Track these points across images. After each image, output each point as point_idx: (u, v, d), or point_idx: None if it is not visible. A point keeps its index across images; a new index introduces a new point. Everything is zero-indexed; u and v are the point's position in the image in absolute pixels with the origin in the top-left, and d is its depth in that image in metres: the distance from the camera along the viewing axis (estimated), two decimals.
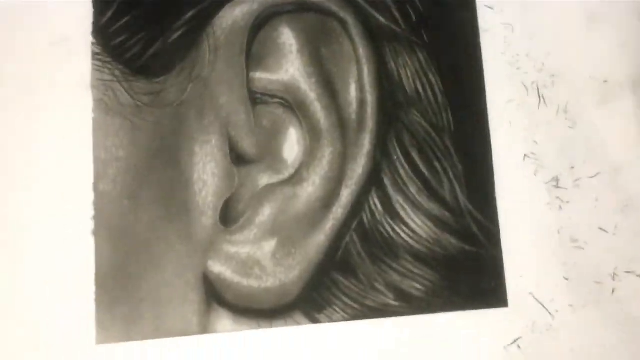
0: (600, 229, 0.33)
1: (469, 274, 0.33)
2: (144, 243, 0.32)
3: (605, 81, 0.34)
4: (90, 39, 0.34)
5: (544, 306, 0.32)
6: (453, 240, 0.33)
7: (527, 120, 0.34)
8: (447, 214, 0.33)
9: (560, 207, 0.33)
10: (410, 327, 0.32)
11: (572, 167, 0.33)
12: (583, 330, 0.32)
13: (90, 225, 0.32)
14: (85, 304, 0.32)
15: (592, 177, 0.33)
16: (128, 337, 0.32)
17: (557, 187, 0.33)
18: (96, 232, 0.32)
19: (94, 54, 0.34)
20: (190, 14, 0.33)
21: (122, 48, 0.33)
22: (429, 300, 0.32)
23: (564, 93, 0.34)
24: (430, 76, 0.33)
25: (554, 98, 0.34)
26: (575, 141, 0.33)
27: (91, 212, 0.32)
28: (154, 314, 0.32)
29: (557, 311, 0.32)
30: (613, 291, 0.32)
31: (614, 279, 0.32)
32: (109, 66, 0.33)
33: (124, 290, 0.32)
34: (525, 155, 0.33)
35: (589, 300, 0.32)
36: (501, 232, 0.33)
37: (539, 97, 0.34)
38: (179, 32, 0.33)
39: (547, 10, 0.34)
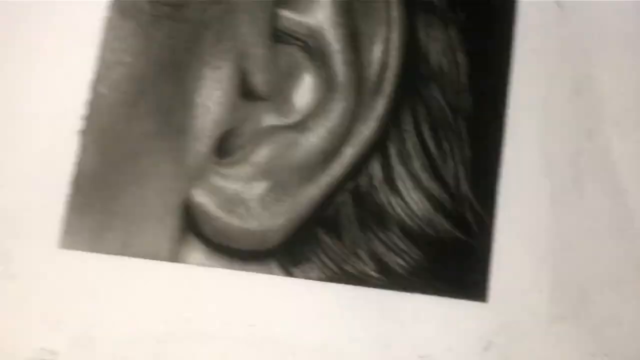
0: (596, 243, 0.34)
1: (455, 261, 0.34)
2: (131, 155, 0.33)
3: (628, 104, 0.36)
4: None
5: (522, 311, 0.34)
6: (446, 224, 0.34)
7: (546, 122, 0.35)
8: (445, 196, 0.34)
9: (561, 214, 0.35)
10: (386, 301, 0.33)
11: (581, 179, 0.35)
12: (556, 343, 0.34)
13: (78, 124, 0.33)
14: (56, 204, 0.32)
15: (596, 194, 0.35)
16: (93, 247, 0.32)
17: (562, 194, 0.35)
18: (84, 133, 0.33)
19: None
20: None
21: None
22: (410, 279, 0.34)
23: (588, 105, 0.36)
24: (458, 55, 0.35)
25: (578, 107, 0.36)
26: (589, 154, 0.35)
27: (82, 111, 0.33)
28: (125, 230, 0.32)
29: (535, 317, 0.34)
30: (595, 308, 0.34)
31: (598, 296, 0.34)
32: None
33: (99, 199, 0.32)
34: (537, 155, 0.35)
35: (569, 313, 0.34)
36: (496, 226, 0.34)
37: (564, 102, 0.36)
38: None
39: (592, 16, 0.36)
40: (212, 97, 0.33)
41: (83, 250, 0.32)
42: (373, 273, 0.32)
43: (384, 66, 0.34)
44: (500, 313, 0.33)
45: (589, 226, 0.34)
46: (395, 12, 0.34)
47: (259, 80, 0.34)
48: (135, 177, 0.33)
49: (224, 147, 0.34)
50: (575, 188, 0.34)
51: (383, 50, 0.34)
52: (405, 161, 0.34)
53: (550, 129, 0.35)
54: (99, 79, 0.33)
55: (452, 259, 0.33)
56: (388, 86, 0.34)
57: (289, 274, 0.32)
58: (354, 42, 0.35)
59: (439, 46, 0.35)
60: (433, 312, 0.32)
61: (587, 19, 0.36)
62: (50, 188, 0.31)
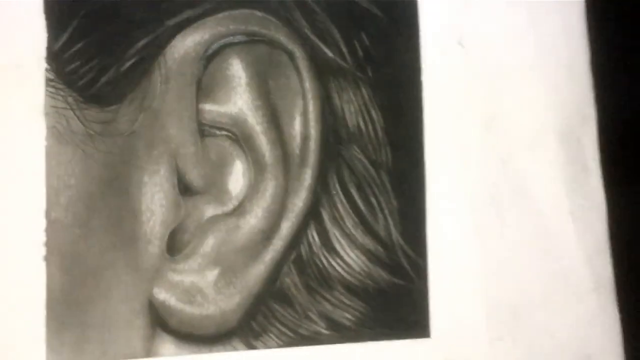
0: (522, 265, 0.40)
1: (397, 306, 0.40)
2: (93, 270, 0.37)
3: (538, 129, 0.41)
4: (44, 64, 0.39)
5: (463, 338, 0.40)
6: (384, 274, 0.40)
7: (462, 160, 0.41)
8: (380, 248, 0.40)
9: (487, 244, 0.41)
10: (340, 355, 0.40)
11: (501, 208, 0.41)
12: None
13: (42, 251, 0.39)
14: (36, 329, 0.37)
15: (518, 221, 0.41)
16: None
17: (486, 225, 0.41)
18: (48, 259, 0.37)
19: (48, 80, 0.38)
20: (142, 42, 0.39)
21: (76, 74, 0.38)
22: (358, 329, 0.40)
23: (500, 137, 0.41)
24: (373, 113, 0.40)
25: (490, 141, 0.41)
26: (506, 183, 0.41)
27: (43, 238, 0.39)
28: (100, 339, 0.37)
29: (475, 342, 0.40)
30: (527, 325, 0.40)
31: (530, 314, 0.40)
32: (62, 93, 0.38)
33: (73, 316, 0.37)
34: (458, 192, 0.41)
35: (505, 334, 0.40)
36: (429, 267, 0.40)
37: (477, 139, 0.41)
38: (132, 61, 0.39)
39: (493, 52, 0.41)
40: (154, 201, 0.38)
41: None
42: (325, 331, 0.38)
43: (305, 138, 0.39)
44: (443, 344, 0.39)
45: (514, 251, 0.40)
46: (308, 84, 0.39)
47: (194, 176, 0.39)
48: (100, 290, 0.38)
49: (174, 245, 0.38)
50: (497, 217, 0.40)
51: (303, 123, 0.39)
52: (338, 223, 0.39)
53: (467, 166, 0.40)
54: (51, 206, 0.38)
55: (393, 305, 0.39)
56: (312, 156, 0.39)
57: (252, 347, 0.38)
58: (275, 120, 0.39)
59: (354, 107, 0.40)
60: (382, 355, 0.39)
61: (489, 52, 0.41)
62: (29, 316, 0.37)
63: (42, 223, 0.38)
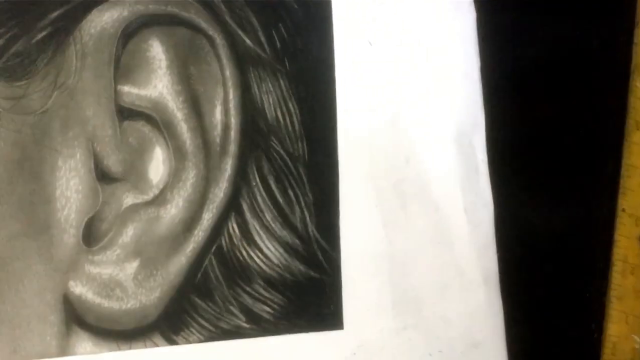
0: (423, 255, 0.45)
1: (312, 299, 0.42)
2: (1, 261, 0.36)
3: (436, 130, 0.46)
4: None
5: (373, 329, 0.44)
6: (301, 267, 0.42)
7: (371, 155, 0.44)
8: (297, 241, 0.42)
9: (393, 236, 0.44)
10: (260, 348, 0.41)
11: (405, 202, 0.45)
12: (403, 351, 0.44)
13: None
14: None
15: (419, 215, 0.45)
16: None
17: (392, 218, 0.45)
18: None
19: None
20: (56, 13, 0.38)
21: None
22: (277, 322, 0.42)
23: (403, 134, 0.45)
24: (290, 105, 0.42)
25: (395, 138, 0.45)
26: (409, 179, 0.45)
27: None
28: (11, 336, 0.36)
29: (385, 332, 0.44)
30: (427, 313, 0.45)
31: (430, 302, 0.45)
32: None
33: None
34: (367, 187, 0.44)
35: (409, 322, 0.44)
36: (342, 259, 0.43)
37: (384, 135, 0.45)
38: (44, 33, 0.38)
39: (394, 57, 0.45)
40: (70, 187, 0.38)
41: None
42: (245, 324, 0.40)
43: (226, 127, 0.40)
44: (356, 336, 0.42)
45: (416, 242, 0.44)
46: (228, 72, 0.40)
47: (112, 161, 0.39)
48: (10, 283, 0.37)
49: (92, 235, 0.38)
50: (401, 211, 0.44)
51: (223, 111, 0.40)
52: (258, 215, 0.41)
53: (375, 161, 0.44)
54: None
55: (310, 297, 0.42)
56: (233, 146, 0.41)
57: (173, 342, 0.39)
58: (196, 107, 0.40)
59: (273, 98, 0.42)
60: (300, 348, 0.41)
61: (394, 53, 0.45)
62: None
63: None
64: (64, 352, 0.37)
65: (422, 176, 0.44)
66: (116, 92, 0.39)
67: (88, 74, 0.38)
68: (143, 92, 0.39)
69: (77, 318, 0.37)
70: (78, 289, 0.37)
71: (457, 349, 0.44)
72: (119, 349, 0.37)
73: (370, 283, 0.43)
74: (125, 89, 0.39)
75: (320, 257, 0.41)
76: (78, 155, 0.38)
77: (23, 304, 0.37)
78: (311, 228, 0.41)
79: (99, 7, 0.38)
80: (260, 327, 0.40)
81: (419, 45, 0.45)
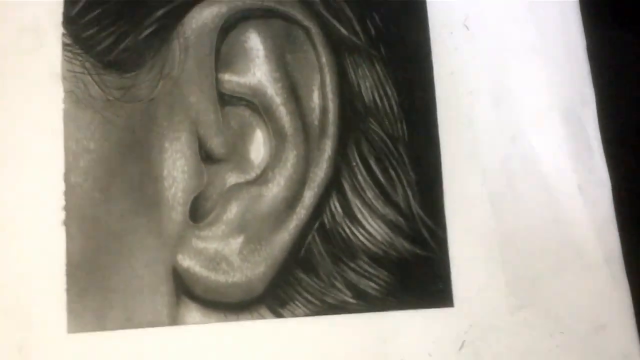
0: (536, 236, 0.47)
1: (419, 276, 0.45)
2: (114, 235, 0.43)
3: (542, 108, 0.48)
4: (60, 29, 0.44)
5: (486, 307, 0.46)
6: (406, 244, 0.46)
7: (474, 135, 0.47)
8: (400, 219, 0.46)
9: (501, 215, 0.47)
10: (367, 324, 0.44)
11: (512, 180, 0.47)
12: (518, 330, 0.46)
13: (61, 215, 0.42)
14: (57, 293, 0.41)
15: (529, 192, 0.47)
16: (99, 326, 0.42)
17: (499, 197, 0.47)
18: (67, 223, 0.42)
19: (65, 45, 0.44)
20: (161, 11, 0.44)
21: (93, 40, 0.44)
22: (384, 299, 0.45)
23: (508, 113, 0.48)
24: (387, 88, 0.46)
25: (499, 117, 0.48)
26: (516, 157, 0.47)
27: (62, 202, 0.42)
28: (124, 305, 0.42)
29: (498, 311, 0.46)
30: (545, 293, 0.46)
31: (547, 282, 0.46)
32: (80, 58, 0.44)
33: (94, 281, 0.42)
34: (471, 166, 0.47)
35: (525, 302, 0.46)
36: (449, 237, 0.46)
37: (487, 115, 0.48)
38: (150, 29, 0.44)
39: (497, 32, 0.48)
40: (176, 167, 0.43)
41: (90, 331, 0.41)
42: (351, 300, 0.43)
43: (324, 110, 0.45)
44: (467, 314, 0.45)
45: (527, 222, 0.46)
46: (324, 59, 0.45)
47: (215, 143, 0.44)
48: (123, 255, 0.43)
49: (197, 211, 0.44)
50: (509, 190, 0.47)
51: (321, 95, 0.45)
52: (359, 194, 0.45)
53: (479, 141, 0.47)
54: (70, 169, 0.43)
55: (417, 274, 0.45)
56: (331, 128, 0.45)
57: (279, 315, 0.43)
58: (294, 93, 0.46)
59: (370, 82, 0.46)
60: (409, 324, 0.44)
61: (493, 35, 0.48)
62: (49, 280, 0.40)
63: (61, 186, 0.41)
64: (174, 321, 0.42)
65: (529, 154, 0.47)
66: (217, 80, 0.45)
67: (191, 64, 0.44)
68: (243, 79, 0.45)
69: (186, 290, 0.43)
70: (186, 262, 0.42)
71: (580, 331, 0.45)
72: (227, 320, 0.41)
73: (480, 261, 0.45)
74: (226, 77, 0.45)
75: (426, 235, 0.44)
76: (183, 138, 0.44)
77: (135, 275, 0.42)
78: (415, 206, 0.44)
79: (200, 5, 0.45)
80: (367, 302, 0.43)
81: (519, 24, 0.48)
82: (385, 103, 0.47)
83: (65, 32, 0.44)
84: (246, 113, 0.45)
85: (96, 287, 0.42)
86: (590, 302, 0.47)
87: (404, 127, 0.47)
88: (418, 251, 0.45)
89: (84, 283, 0.42)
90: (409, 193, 0.46)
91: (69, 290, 0.42)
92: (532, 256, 0.47)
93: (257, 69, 0.45)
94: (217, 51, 0.45)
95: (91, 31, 0.44)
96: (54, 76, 0.44)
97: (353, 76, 0.46)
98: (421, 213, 0.46)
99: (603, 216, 0.48)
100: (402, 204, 0.46)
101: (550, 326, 0.46)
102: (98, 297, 0.42)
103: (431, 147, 0.47)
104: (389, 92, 0.47)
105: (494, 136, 0.48)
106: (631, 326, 0.46)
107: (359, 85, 0.46)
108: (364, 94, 0.46)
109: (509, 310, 0.46)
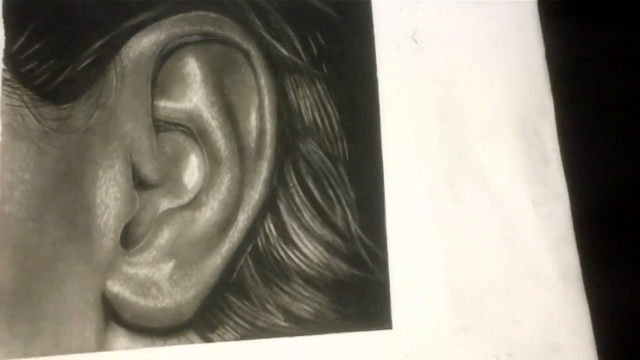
0: (484, 251, 0.45)
1: (356, 298, 0.45)
2: (46, 263, 0.44)
3: (492, 120, 0.47)
4: (0, 65, 0.45)
5: (427, 329, 0.45)
6: (343, 265, 0.45)
7: (420, 151, 0.46)
8: (338, 239, 0.45)
9: (446, 231, 0.45)
10: (298, 347, 0.44)
11: (460, 195, 0.46)
12: (462, 352, 0.44)
13: None
14: None
15: (478, 209, 0.46)
16: (27, 353, 0.43)
17: (444, 213, 0.46)
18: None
19: (4, 80, 0.46)
20: (99, 42, 0.46)
21: (33, 74, 0.46)
22: (318, 322, 0.45)
23: (455, 128, 0.46)
24: (328, 107, 0.46)
25: (446, 132, 0.46)
26: (463, 171, 0.46)
27: None
28: (53, 332, 0.44)
29: (441, 333, 0.44)
30: (492, 313, 0.45)
31: (495, 301, 0.45)
32: (18, 92, 0.46)
33: (24, 309, 0.44)
34: (416, 183, 0.46)
35: (470, 322, 0.45)
36: (389, 257, 0.45)
37: (433, 130, 0.46)
38: (88, 60, 0.46)
39: (446, 46, 0.47)
40: (109, 195, 0.44)
41: (17, 357, 0.43)
42: (283, 323, 0.43)
43: (261, 132, 0.45)
44: (407, 336, 0.44)
45: (474, 237, 0.45)
46: (263, 80, 0.45)
47: (149, 169, 0.45)
48: (54, 283, 0.44)
49: (129, 238, 0.45)
50: (456, 204, 0.46)
51: (258, 117, 0.46)
52: (296, 215, 0.44)
53: (425, 157, 0.46)
54: (4, 200, 0.45)
55: (353, 296, 0.44)
56: (268, 150, 0.46)
57: (208, 339, 0.43)
58: (231, 115, 0.47)
59: (310, 102, 0.46)
60: (344, 348, 0.43)
61: (442, 49, 0.47)
62: None
63: None
64: (101, 346, 0.43)
65: (478, 168, 0.45)
66: (153, 107, 0.46)
67: (127, 93, 0.46)
68: (178, 105, 0.46)
69: (115, 315, 0.44)
70: (116, 288, 0.43)
71: (531, 352, 0.43)
72: (154, 345, 0.42)
73: (422, 281, 0.45)
74: (162, 103, 0.46)
75: (365, 256, 0.44)
76: (117, 166, 0.45)
77: (65, 301, 0.44)
78: (354, 226, 0.44)
79: (138, 34, 0.46)
80: (300, 325, 0.43)
81: (470, 35, 0.47)
82: (326, 122, 0.46)
83: (5, 67, 0.46)
84: (181, 138, 0.46)
85: (26, 314, 0.44)
86: (544, 322, 0.45)
87: (345, 145, 0.46)
88: (356, 272, 0.45)
89: (12, 310, 0.44)
90: (348, 213, 0.46)
91: None
92: (481, 274, 0.46)
93: (193, 93, 0.46)
94: (154, 79, 0.46)
95: (31, 65, 0.46)
96: None
97: (293, 97, 0.47)
98: (360, 233, 0.45)
99: (559, 231, 0.46)
100: (341, 225, 0.45)
101: (498, 347, 0.44)
102: (27, 324, 0.44)
103: (373, 165, 0.47)
104: (330, 111, 0.47)
105: (439, 151, 0.47)
106: (589, 348, 0.44)
107: (298, 105, 0.47)
108: (303, 114, 0.46)
109: (453, 331, 0.45)
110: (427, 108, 0.48)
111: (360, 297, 0.46)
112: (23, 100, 0.46)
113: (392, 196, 0.47)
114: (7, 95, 0.46)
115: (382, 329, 0.45)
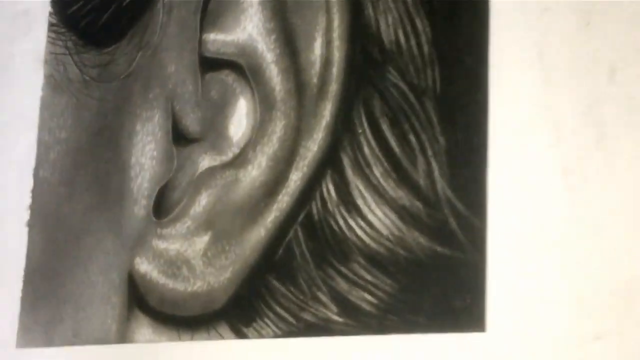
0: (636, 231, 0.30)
1: (438, 285, 0.32)
2: (74, 236, 0.38)
3: None
4: (48, 8, 0.42)
5: (535, 336, 0.30)
6: (422, 240, 0.32)
7: (543, 77, 0.32)
8: (418, 203, 0.33)
9: (580, 197, 0.30)
10: (355, 350, 0.32)
11: (602, 139, 0.31)
12: None
13: (26, 215, 0.39)
14: (10, 303, 0.38)
15: (629, 153, 0.30)
16: (47, 342, 0.38)
17: (578, 169, 0.31)
18: (31, 224, 0.39)
19: (50, 25, 0.41)
20: None
21: (78, 15, 0.41)
22: (382, 317, 0.32)
23: (603, 39, 0.31)
24: (417, 22, 0.34)
25: (583, 44, 0.31)
26: (611, 100, 0.31)
27: (28, 201, 0.39)
28: (74, 319, 0.38)
29: (553, 342, 0.30)
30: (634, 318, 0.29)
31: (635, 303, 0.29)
32: (63, 37, 0.41)
33: (49, 290, 0.38)
34: (537, 125, 0.31)
35: (608, 331, 0.29)
36: (489, 230, 0.31)
37: (570, 42, 0.32)
38: None
39: None
40: (145, 153, 0.38)
41: (38, 346, 0.38)
42: (337, 317, 0.33)
43: (327, 62, 0.35)
44: (504, 343, 0.31)
45: (626, 203, 0.30)
46: None
47: (190, 120, 0.37)
48: (80, 259, 0.38)
49: (163, 206, 0.37)
50: (598, 152, 0.30)
51: (324, 43, 0.36)
52: (364, 172, 0.34)
53: (553, 85, 0.31)
54: (40, 163, 0.40)
55: (434, 283, 0.32)
56: (334, 86, 0.35)
57: (242, 335, 0.34)
58: (290, 45, 0.36)
59: (393, 17, 0.35)
60: (416, 354, 0.31)
61: None
62: (6, 288, 0.38)
63: (29, 183, 0.39)
64: (123, 338, 0.36)
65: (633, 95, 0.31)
66: (201, 43, 0.38)
67: (173, 27, 0.39)
68: (230, 37, 0.38)
69: (140, 300, 0.37)
70: (144, 266, 0.37)
71: None
72: (180, 339, 0.35)
73: (534, 265, 0.31)
74: (211, 36, 0.38)
75: (454, 226, 0.32)
76: (156, 118, 0.38)
77: (88, 283, 0.38)
78: (441, 185, 0.32)
79: None
80: (359, 322, 0.33)
81: None
82: (413, 42, 0.35)
83: (52, 10, 0.42)
84: (230, 78, 0.38)
85: (49, 297, 0.38)
86: None
87: (436, 73, 0.34)
88: (439, 249, 0.32)
89: (38, 292, 0.39)
90: (435, 167, 0.33)
91: (23, 300, 0.39)
92: (628, 261, 0.30)
93: (248, 21, 0.38)
94: (204, 8, 0.38)
95: (75, 7, 0.41)
96: (37, 60, 0.42)
97: (371, 12, 0.36)
98: (450, 194, 0.33)
99: None
100: (423, 183, 0.33)
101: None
102: (49, 309, 0.38)
103: (474, 100, 0.33)
104: (420, 27, 0.35)
105: (578, 74, 0.32)
106: None
107: (377, 22, 0.35)
108: (383, 34, 0.35)
109: (578, 340, 0.30)
110: (560, 11, 0.33)
111: (443, 285, 0.32)
112: (67, 47, 0.41)
113: (499, 143, 0.32)
114: (51, 43, 0.42)
115: (471, 331, 0.31)
